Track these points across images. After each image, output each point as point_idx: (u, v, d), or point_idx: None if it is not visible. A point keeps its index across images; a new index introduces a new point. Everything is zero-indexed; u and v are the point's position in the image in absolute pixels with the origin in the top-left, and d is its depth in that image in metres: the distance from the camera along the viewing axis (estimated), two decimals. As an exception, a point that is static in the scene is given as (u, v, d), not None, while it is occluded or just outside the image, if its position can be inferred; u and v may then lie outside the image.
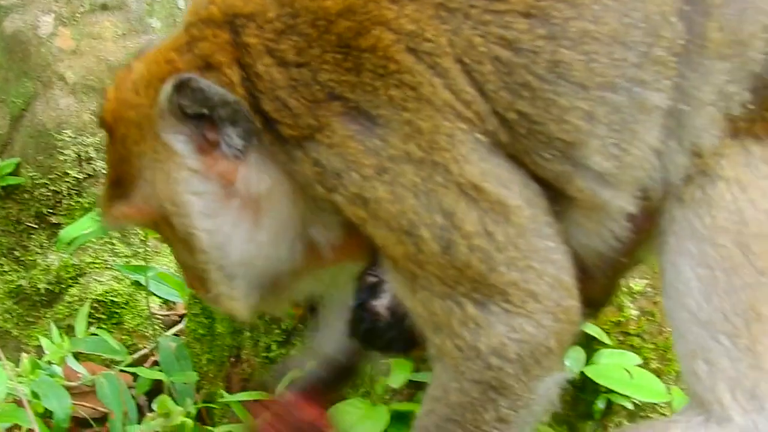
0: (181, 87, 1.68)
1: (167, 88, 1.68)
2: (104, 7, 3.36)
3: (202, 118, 1.72)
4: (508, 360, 1.72)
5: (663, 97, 1.67)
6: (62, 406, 2.33)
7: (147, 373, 2.60)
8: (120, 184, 1.82)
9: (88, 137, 3.16)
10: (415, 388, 2.27)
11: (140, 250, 2.98)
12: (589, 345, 2.23)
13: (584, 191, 1.72)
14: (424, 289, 1.76)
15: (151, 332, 2.88)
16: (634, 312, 2.33)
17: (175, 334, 2.86)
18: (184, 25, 1.82)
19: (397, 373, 2.22)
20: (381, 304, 2.06)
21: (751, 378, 1.75)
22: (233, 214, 1.80)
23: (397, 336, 2.02)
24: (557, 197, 1.75)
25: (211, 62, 1.71)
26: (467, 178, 1.69)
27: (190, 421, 2.35)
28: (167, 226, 1.84)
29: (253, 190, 1.76)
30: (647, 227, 1.85)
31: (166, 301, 3.04)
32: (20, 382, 2.33)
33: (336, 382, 2.28)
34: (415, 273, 1.74)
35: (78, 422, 2.59)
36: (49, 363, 2.52)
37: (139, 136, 1.76)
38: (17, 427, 2.48)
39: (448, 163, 1.69)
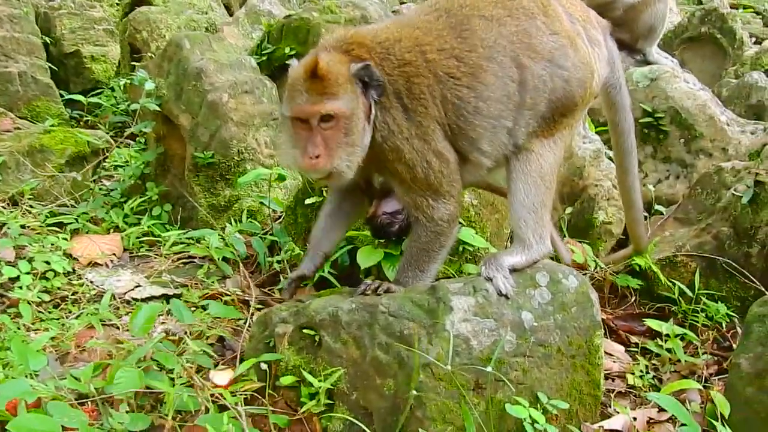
0: (363, 67, 2.51)
1: (359, 65, 2.50)
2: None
3: (364, 83, 2.53)
4: (444, 221, 2.63)
5: (509, 122, 2.65)
6: (242, 249, 3.83)
7: (269, 237, 3.93)
8: (326, 96, 2.47)
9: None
10: (395, 244, 3.10)
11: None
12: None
13: (475, 158, 2.67)
14: (413, 192, 2.60)
15: (269, 222, 3.99)
16: (473, 211, 3.34)
17: (278, 223, 4.00)
18: (336, 43, 2.57)
19: (382, 237, 3.10)
20: (392, 219, 2.98)
21: (539, 228, 2.72)
22: (363, 123, 2.53)
23: (398, 231, 3.00)
24: (462, 159, 2.66)
25: (365, 60, 2.53)
26: (436, 147, 2.57)
27: (299, 252, 3.60)
28: (338, 119, 2.47)
29: (370, 117, 2.54)
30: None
31: (274, 210, 4.04)
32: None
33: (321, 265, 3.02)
34: (411, 185, 2.60)
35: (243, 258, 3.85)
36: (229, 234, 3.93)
37: (342, 80, 2.49)
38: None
39: (430, 140, 2.55)
